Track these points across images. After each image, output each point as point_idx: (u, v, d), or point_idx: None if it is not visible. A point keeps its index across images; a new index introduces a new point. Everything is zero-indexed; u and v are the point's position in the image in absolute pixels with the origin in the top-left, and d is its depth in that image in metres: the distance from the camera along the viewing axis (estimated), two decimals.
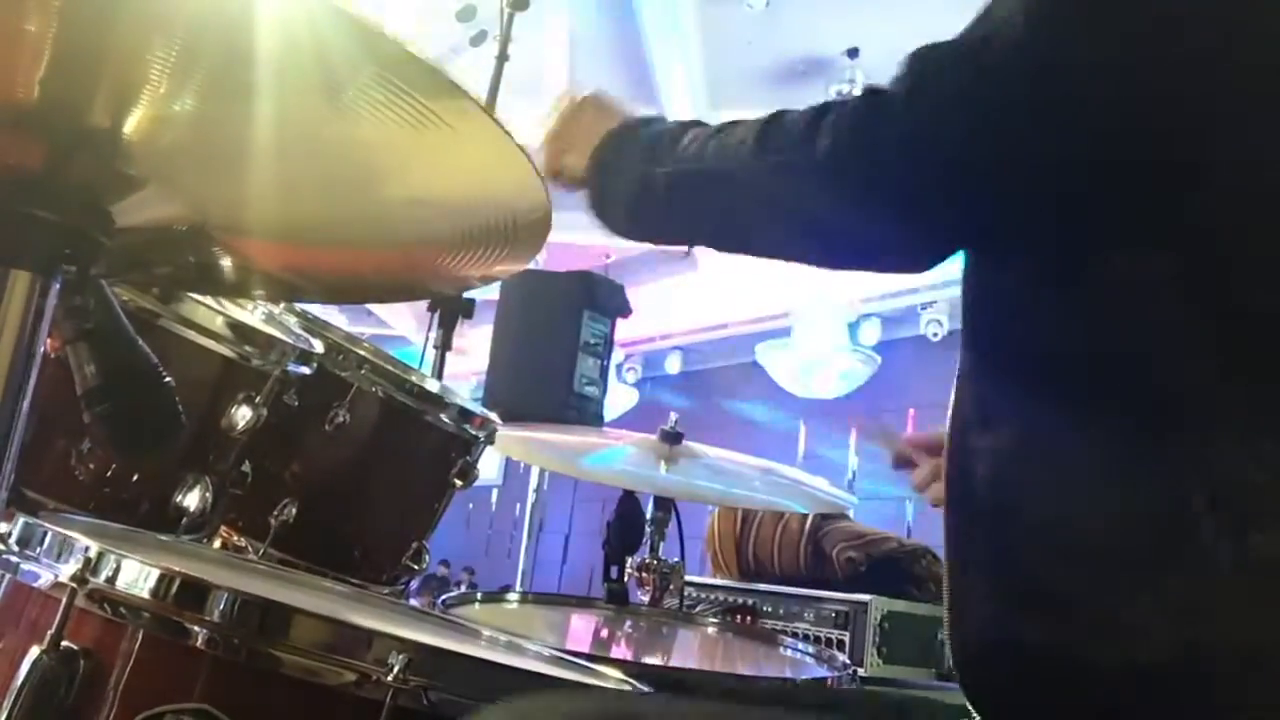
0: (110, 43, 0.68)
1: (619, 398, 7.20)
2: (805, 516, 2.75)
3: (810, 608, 2.39)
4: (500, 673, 0.90)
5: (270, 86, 0.68)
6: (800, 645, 1.78)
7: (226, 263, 0.95)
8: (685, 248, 1.10)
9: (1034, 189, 0.74)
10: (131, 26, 0.67)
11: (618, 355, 6.67)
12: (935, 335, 6.65)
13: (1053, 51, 0.71)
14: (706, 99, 5.24)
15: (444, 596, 1.76)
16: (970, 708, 0.78)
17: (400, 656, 0.78)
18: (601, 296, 4.09)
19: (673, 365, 8.46)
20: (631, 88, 5.22)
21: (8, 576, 0.88)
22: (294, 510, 1.51)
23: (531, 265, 4.74)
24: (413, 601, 1.50)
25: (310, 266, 1.01)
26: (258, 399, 1.37)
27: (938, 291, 6.68)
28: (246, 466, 1.46)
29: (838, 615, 2.32)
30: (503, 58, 3.11)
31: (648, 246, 7.04)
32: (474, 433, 1.70)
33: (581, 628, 1.86)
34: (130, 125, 0.74)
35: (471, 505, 7.89)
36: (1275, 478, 0.65)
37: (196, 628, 0.79)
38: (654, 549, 1.97)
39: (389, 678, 0.77)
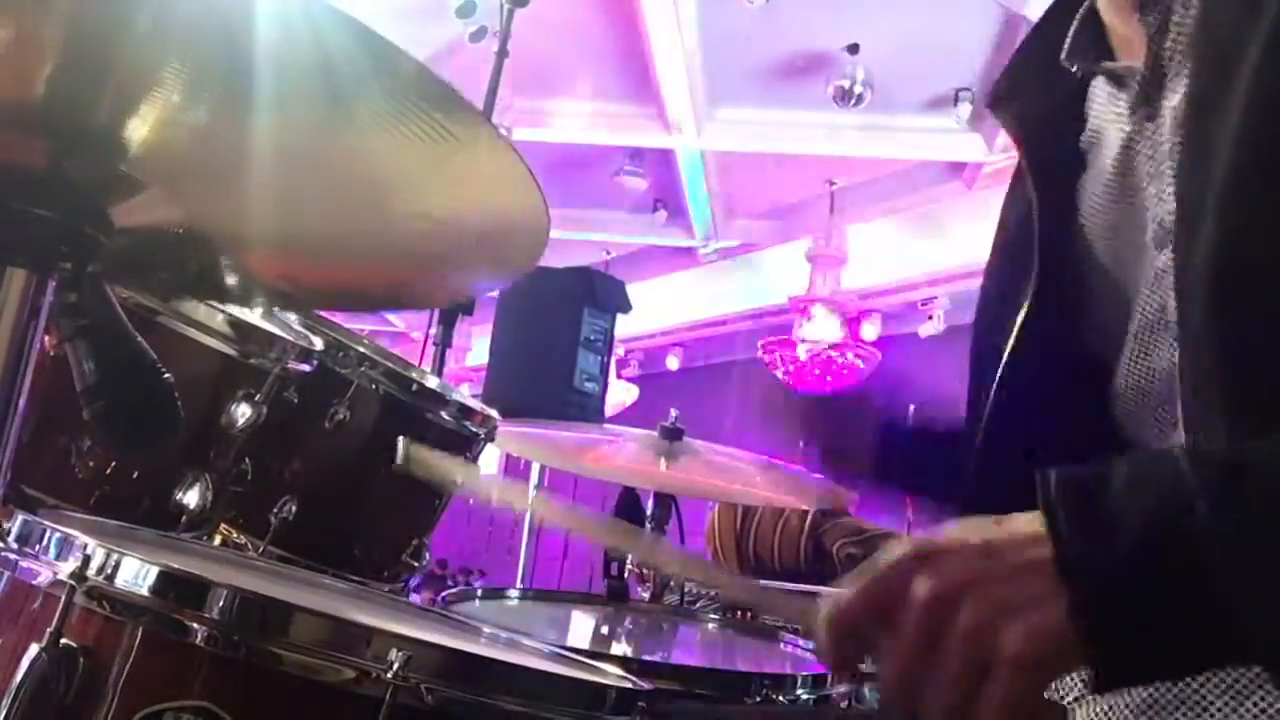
0: (117, 47, 0.68)
1: (619, 394, 7.19)
2: (805, 512, 2.75)
3: (811, 603, 2.38)
4: (500, 670, 0.90)
5: (278, 98, 0.68)
6: (800, 641, 1.78)
7: (228, 270, 0.95)
8: None
9: None
10: (140, 32, 0.67)
11: (618, 351, 6.67)
12: (935, 331, 6.65)
13: None
14: (706, 95, 5.23)
15: (444, 593, 1.76)
16: None
17: (400, 654, 0.78)
18: (602, 293, 4.09)
19: (673, 361, 8.47)
20: (631, 85, 5.21)
21: (6, 574, 0.88)
22: (294, 508, 1.51)
23: None
24: (413, 598, 1.50)
25: (313, 277, 1.01)
26: (258, 396, 1.37)
27: (938, 288, 6.68)
28: (247, 464, 1.46)
29: None
30: (502, 53, 3.10)
31: (648, 241, 7.04)
32: (474, 429, 1.70)
33: (582, 624, 1.86)
34: (134, 129, 0.74)
35: (472, 501, 7.90)
36: None
37: (196, 625, 0.79)
38: None
39: (388, 675, 0.77)
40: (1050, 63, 0.92)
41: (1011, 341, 0.90)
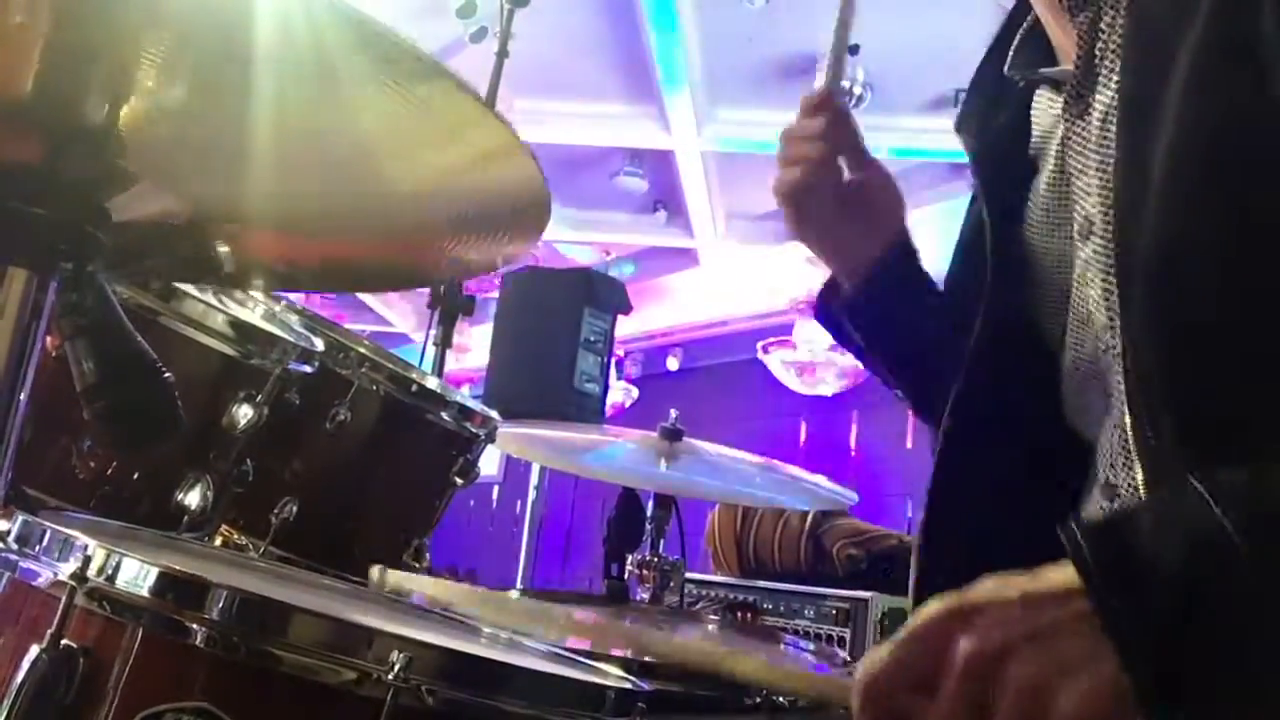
0: (104, 37, 0.68)
1: (619, 395, 7.19)
2: (806, 513, 2.75)
3: (811, 605, 2.39)
4: (501, 670, 0.90)
5: (265, 78, 0.68)
6: (801, 643, 1.78)
7: (224, 254, 0.94)
8: None
9: None
10: (125, 21, 0.67)
11: (618, 352, 6.66)
12: None
13: None
14: (706, 96, 5.22)
15: None
16: None
17: (401, 655, 0.78)
18: (602, 293, 4.10)
19: (673, 362, 8.46)
20: (631, 85, 5.21)
21: (7, 575, 0.88)
22: (295, 508, 1.51)
23: (531, 262, 4.73)
24: (413, 599, 1.50)
25: (308, 255, 1.01)
26: (259, 397, 1.37)
27: None
28: (247, 465, 1.46)
29: (838, 612, 2.32)
30: (503, 54, 3.10)
31: (648, 242, 7.04)
32: (474, 430, 1.70)
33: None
34: (126, 120, 0.74)
35: (472, 502, 7.88)
36: None
37: (196, 626, 0.79)
38: (654, 546, 1.97)
39: (389, 676, 0.77)
40: (1000, 78, 0.96)
41: (974, 339, 0.93)
